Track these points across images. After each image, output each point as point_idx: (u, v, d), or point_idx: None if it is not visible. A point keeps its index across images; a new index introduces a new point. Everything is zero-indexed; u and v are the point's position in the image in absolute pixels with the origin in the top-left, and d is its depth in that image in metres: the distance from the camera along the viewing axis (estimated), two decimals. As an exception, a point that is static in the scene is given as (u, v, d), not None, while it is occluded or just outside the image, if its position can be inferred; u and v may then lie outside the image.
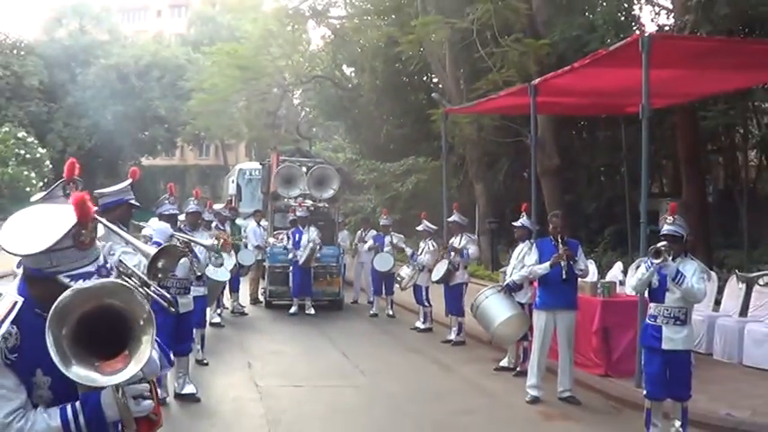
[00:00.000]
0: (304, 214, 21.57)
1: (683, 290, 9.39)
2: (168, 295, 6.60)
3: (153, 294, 6.53)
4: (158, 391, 3.51)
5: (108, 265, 3.75)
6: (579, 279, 12.75)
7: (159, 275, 6.77)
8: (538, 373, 12.34)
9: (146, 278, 6.34)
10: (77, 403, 3.38)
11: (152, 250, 6.97)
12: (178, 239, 10.12)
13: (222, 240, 15.61)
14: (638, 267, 10.25)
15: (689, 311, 9.74)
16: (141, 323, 3.29)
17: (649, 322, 9.85)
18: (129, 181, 8.71)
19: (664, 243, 9.52)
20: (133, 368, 3.20)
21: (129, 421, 3.35)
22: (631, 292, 11.14)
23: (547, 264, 12.13)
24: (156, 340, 3.67)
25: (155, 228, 9.11)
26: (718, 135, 26.94)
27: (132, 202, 8.55)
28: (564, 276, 12.02)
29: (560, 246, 12.11)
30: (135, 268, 6.40)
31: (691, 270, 9.49)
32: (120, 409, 3.30)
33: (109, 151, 61.94)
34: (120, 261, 6.16)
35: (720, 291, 15.99)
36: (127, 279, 6.19)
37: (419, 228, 19.57)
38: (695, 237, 18.43)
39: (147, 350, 3.23)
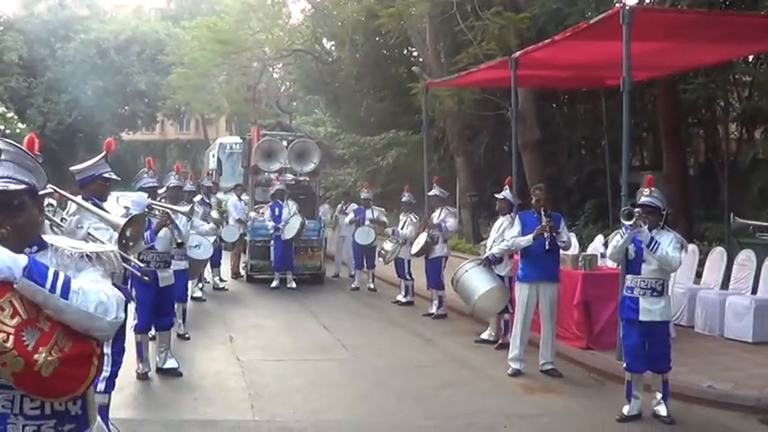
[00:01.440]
0: (282, 187, 21.53)
1: (657, 257, 9.48)
2: (143, 266, 6.58)
3: (131, 268, 6.51)
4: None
5: None
6: (561, 252, 12.80)
7: (130, 244, 6.70)
8: (520, 346, 12.35)
9: (122, 252, 6.29)
10: None
11: (121, 221, 6.91)
12: (156, 209, 9.98)
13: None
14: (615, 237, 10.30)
15: (666, 282, 9.85)
16: None
17: (626, 294, 9.95)
18: (103, 154, 8.41)
19: (637, 209, 9.60)
20: None
21: None
22: (610, 262, 11.20)
23: (530, 236, 12.13)
24: (31, 257, 3.49)
25: (131, 198, 8.91)
26: (699, 108, 27.07)
27: (107, 175, 8.29)
28: (547, 247, 12.03)
29: (543, 218, 12.13)
30: (108, 242, 6.37)
31: (667, 240, 9.59)
32: None
33: (89, 126, 61.64)
34: (89, 234, 6.13)
35: (702, 263, 16.04)
36: None
37: (404, 199, 19.54)
38: (676, 209, 18.52)
39: None
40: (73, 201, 7.23)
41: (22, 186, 3.65)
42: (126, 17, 69.95)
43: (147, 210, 9.06)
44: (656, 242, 9.44)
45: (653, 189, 9.89)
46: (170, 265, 11.78)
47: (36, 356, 3.34)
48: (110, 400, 8.52)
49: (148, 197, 10.72)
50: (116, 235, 6.82)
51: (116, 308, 3.62)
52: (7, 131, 42.92)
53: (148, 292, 11.33)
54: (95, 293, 3.57)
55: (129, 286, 11.35)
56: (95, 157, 8.38)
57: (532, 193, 12.78)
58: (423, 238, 17.50)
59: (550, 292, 12.37)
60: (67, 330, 3.43)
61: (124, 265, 6.42)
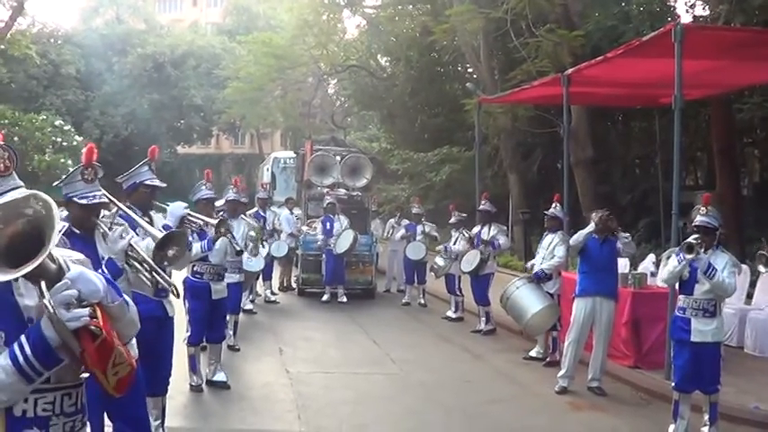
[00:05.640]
0: (333, 201, 21.72)
1: (713, 284, 9.28)
2: (171, 280, 6.67)
3: (159, 279, 6.61)
4: (105, 313, 3.43)
5: None
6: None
7: (166, 263, 6.73)
8: (573, 363, 12.30)
9: (154, 264, 6.42)
10: (22, 336, 3.41)
11: (159, 234, 6.94)
12: (191, 221, 9.55)
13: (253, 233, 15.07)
14: (668, 258, 10.10)
15: (718, 303, 9.63)
16: (48, 229, 3.32)
17: (678, 314, 9.78)
18: (145, 160, 8.19)
19: (696, 236, 9.44)
20: (37, 259, 3.21)
21: (65, 334, 3.31)
22: (662, 284, 11.08)
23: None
24: (105, 276, 3.72)
25: (168, 209, 8.66)
26: (754, 127, 26.85)
27: (148, 182, 8.06)
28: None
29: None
30: (144, 251, 6.49)
31: (722, 263, 9.39)
32: (53, 322, 3.29)
33: (145, 139, 61.79)
34: (131, 245, 6.23)
35: (753, 284, 15.88)
36: (137, 265, 6.33)
37: (452, 220, 19.49)
38: (729, 229, 18.36)
39: (49, 244, 3.25)
40: (118, 206, 7.28)
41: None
42: (182, 32, 70.52)
43: (181, 220, 8.75)
44: (713, 269, 9.22)
45: (709, 208, 9.64)
46: (223, 278, 11.78)
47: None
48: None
49: (206, 207, 10.83)
50: (152, 244, 6.84)
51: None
52: (64, 144, 43.48)
53: (202, 305, 11.40)
54: (131, 304, 3.80)
55: (182, 299, 11.47)
56: (138, 165, 8.19)
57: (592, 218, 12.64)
58: (475, 256, 17.42)
59: (608, 309, 12.26)
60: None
61: (154, 275, 6.52)
